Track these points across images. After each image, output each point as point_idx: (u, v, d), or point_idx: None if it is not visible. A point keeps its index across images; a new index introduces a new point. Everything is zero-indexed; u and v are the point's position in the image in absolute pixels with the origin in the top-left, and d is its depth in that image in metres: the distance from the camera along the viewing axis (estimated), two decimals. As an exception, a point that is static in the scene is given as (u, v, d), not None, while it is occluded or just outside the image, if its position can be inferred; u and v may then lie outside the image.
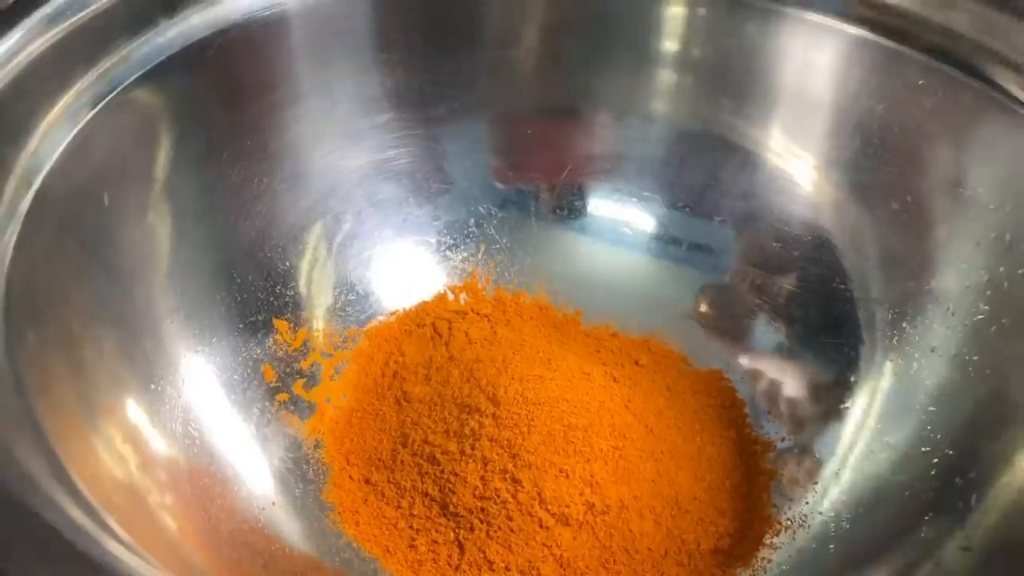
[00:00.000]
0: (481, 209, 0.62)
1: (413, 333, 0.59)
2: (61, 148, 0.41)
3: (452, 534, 0.48)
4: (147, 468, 0.42)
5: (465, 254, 0.62)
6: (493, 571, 0.46)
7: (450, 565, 0.47)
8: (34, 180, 0.40)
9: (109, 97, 0.44)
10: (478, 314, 0.60)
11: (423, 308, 0.60)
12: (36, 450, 0.32)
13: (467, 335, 0.58)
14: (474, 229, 0.62)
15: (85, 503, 0.32)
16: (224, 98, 0.52)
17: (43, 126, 0.41)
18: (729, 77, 0.55)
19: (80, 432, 0.38)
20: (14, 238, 0.38)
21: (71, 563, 0.27)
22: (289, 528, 0.47)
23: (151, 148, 0.48)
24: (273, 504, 0.48)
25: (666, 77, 0.57)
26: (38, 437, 0.33)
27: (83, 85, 0.43)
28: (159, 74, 0.47)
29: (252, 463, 0.49)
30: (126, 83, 0.45)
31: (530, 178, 0.61)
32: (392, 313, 0.60)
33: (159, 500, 0.40)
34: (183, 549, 0.38)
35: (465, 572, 0.46)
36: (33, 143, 0.40)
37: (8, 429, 0.32)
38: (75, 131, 0.42)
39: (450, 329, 0.59)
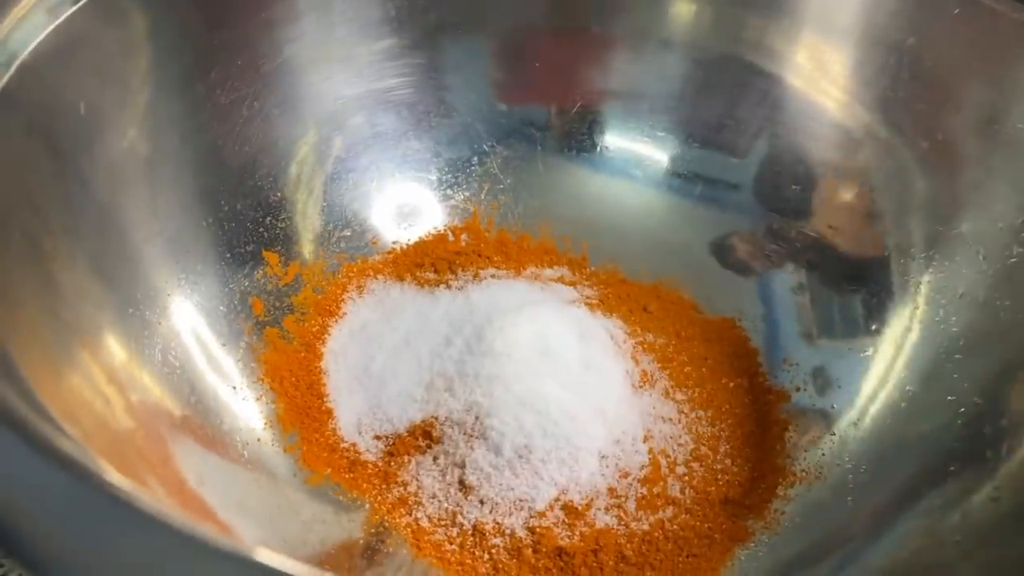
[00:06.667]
0: (485, 146, 0.59)
1: (411, 272, 0.56)
2: (34, 44, 0.38)
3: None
4: (126, 399, 0.39)
5: (467, 193, 0.59)
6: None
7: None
8: (2, 74, 0.36)
9: (89, -3, 0.41)
10: (479, 255, 0.57)
11: (422, 247, 0.57)
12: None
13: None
14: (477, 167, 0.59)
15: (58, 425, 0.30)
16: (214, 12, 0.48)
17: (13, 16, 0.37)
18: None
19: (51, 356, 0.35)
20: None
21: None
22: (273, 465, 0.44)
23: (134, 59, 0.45)
24: (258, 440, 0.45)
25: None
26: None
27: (61, -21, 0.40)
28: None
29: (237, 397, 0.46)
30: (109, -17, 0.42)
31: (537, 106, 0.58)
32: (389, 252, 0.57)
33: (136, 429, 0.37)
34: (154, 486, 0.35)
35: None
36: (2, 32, 0.37)
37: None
38: (52, 27, 0.39)
39: (450, 269, 0.56)
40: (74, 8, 0.40)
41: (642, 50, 0.55)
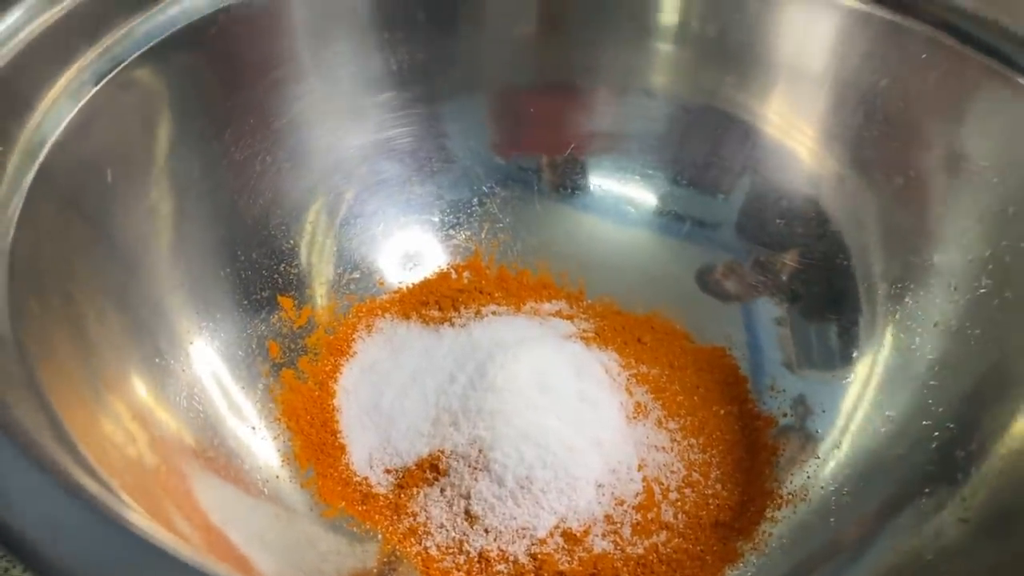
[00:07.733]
0: (484, 188, 0.62)
1: (417, 311, 0.59)
2: (64, 124, 0.42)
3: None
4: (152, 440, 0.42)
5: (468, 233, 0.62)
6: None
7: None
8: (38, 155, 0.40)
9: (112, 74, 0.45)
10: (481, 292, 0.61)
11: (426, 286, 0.61)
12: (38, 415, 0.33)
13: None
14: (477, 208, 0.62)
15: (88, 467, 0.33)
16: (226, 76, 0.52)
17: (46, 101, 0.41)
18: (730, 51, 0.55)
19: (84, 402, 0.39)
20: (18, 211, 0.38)
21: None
22: (292, 500, 0.47)
23: (154, 125, 0.48)
24: (277, 478, 0.48)
25: (667, 51, 0.57)
26: (40, 403, 0.34)
27: (85, 62, 0.43)
28: (161, 51, 0.47)
29: (256, 437, 0.49)
30: (128, 60, 0.46)
31: (532, 155, 0.62)
32: (396, 291, 0.60)
33: (160, 467, 0.40)
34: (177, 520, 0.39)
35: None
36: (36, 118, 0.40)
37: (11, 394, 0.32)
38: (78, 108, 0.43)
39: (454, 307, 0.59)
40: (95, 89, 0.43)
41: (627, 99, 0.59)
